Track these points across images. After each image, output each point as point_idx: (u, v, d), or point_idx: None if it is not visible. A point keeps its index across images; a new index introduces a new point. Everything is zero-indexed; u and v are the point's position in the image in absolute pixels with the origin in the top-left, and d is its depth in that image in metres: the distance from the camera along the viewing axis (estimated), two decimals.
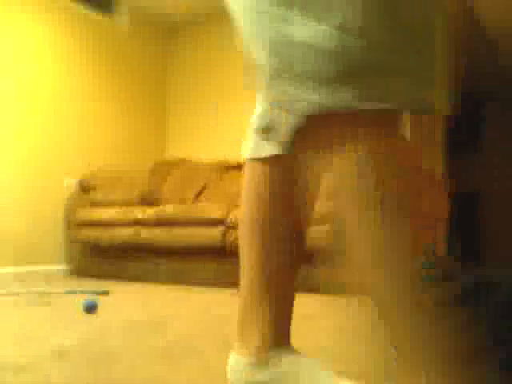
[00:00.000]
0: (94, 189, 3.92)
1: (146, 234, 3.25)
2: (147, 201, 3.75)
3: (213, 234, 3.01)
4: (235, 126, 4.61)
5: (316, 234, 2.58)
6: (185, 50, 4.98)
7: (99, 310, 1.98)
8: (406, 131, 3.62)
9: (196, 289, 2.87)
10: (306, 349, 1.33)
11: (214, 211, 3.08)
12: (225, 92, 4.69)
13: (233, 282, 2.97)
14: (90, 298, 2.36)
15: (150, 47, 4.89)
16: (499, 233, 6.49)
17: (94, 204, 3.77)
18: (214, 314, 1.92)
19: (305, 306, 2.18)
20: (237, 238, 2.93)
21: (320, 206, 2.52)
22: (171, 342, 1.41)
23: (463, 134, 6.22)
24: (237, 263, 3.00)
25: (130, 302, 2.31)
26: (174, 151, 4.95)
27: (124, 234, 3.32)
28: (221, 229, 3.01)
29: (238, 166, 4.11)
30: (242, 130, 4.53)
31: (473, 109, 6.74)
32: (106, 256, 3.51)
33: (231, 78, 4.66)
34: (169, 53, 5.07)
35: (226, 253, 3.02)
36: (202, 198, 3.84)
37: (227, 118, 4.66)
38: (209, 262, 3.08)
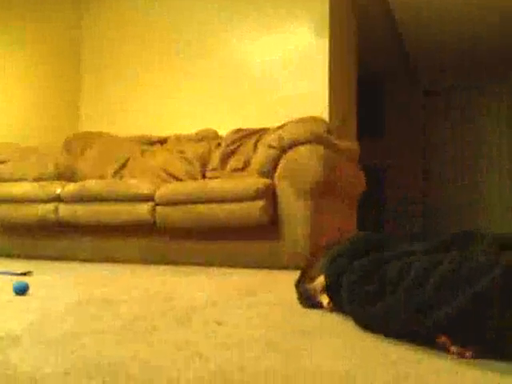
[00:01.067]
0: (1, 163, 3.61)
1: (66, 211, 3.06)
2: (64, 176, 3.53)
3: (141, 211, 2.92)
4: (153, 100, 4.45)
5: (251, 209, 2.60)
6: (102, 13, 4.68)
7: (31, 291, 1.85)
8: (326, 116, 3.74)
9: (125, 266, 2.78)
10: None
11: (141, 187, 2.98)
12: (144, 63, 4.49)
13: (161, 259, 2.91)
14: (16, 279, 2.19)
15: (62, 11, 4.54)
16: (397, 205, 6.98)
17: (3, 179, 3.47)
18: (155, 292, 1.88)
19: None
20: (166, 215, 2.86)
21: (256, 182, 2.54)
22: (127, 320, 1.36)
23: (370, 121, 6.55)
24: (165, 240, 2.95)
25: (60, 282, 2.18)
26: (88, 125, 4.66)
27: (42, 210, 3.10)
28: (149, 205, 2.92)
29: (161, 141, 3.99)
30: (161, 104, 4.39)
31: (376, 90, 7.09)
32: (19, 234, 3.26)
33: (151, 48, 4.47)
34: (83, 19, 4.74)
35: (154, 229, 2.95)
36: (124, 173, 3.69)
37: (145, 91, 4.48)
38: (137, 239, 2.98)
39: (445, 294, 0.93)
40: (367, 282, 1.16)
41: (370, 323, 1.18)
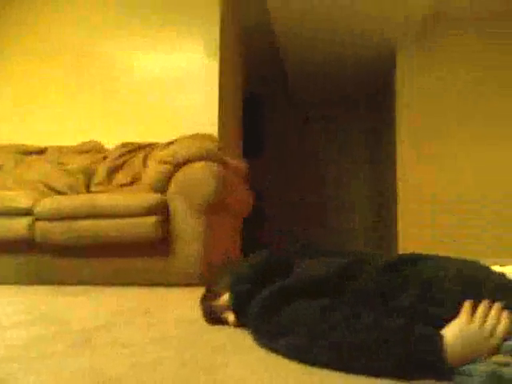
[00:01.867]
0: None
1: None
2: None
3: (18, 227, 2.67)
4: (30, 107, 4.14)
5: (143, 225, 2.52)
6: None
7: None
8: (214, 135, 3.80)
9: None
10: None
11: (19, 200, 2.74)
12: (22, 69, 4.17)
13: (42, 279, 2.69)
14: None
15: None
16: (277, 223, 7.25)
17: None
18: (42, 314, 1.73)
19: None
20: (47, 231, 2.66)
21: (148, 198, 2.49)
22: (18, 347, 1.24)
23: (251, 140, 6.75)
24: (46, 258, 2.73)
25: None
26: None
27: None
28: (28, 220, 2.69)
29: (38, 152, 3.71)
30: (38, 113, 4.10)
31: (257, 111, 7.36)
32: None
33: (31, 55, 4.17)
34: None
35: (33, 247, 2.71)
36: None
37: (20, 98, 4.15)
38: (12, 257, 2.72)
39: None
40: (267, 319, 1.18)
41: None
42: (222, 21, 3.99)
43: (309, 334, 1.04)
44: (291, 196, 7.42)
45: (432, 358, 0.90)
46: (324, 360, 1.01)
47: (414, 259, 1.21)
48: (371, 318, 0.98)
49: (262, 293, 1.25)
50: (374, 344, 0.94)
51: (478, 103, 4.74)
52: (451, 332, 0.92)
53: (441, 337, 0.92)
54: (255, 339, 1.24)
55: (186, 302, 2.04)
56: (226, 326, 1.44)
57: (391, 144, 5.44)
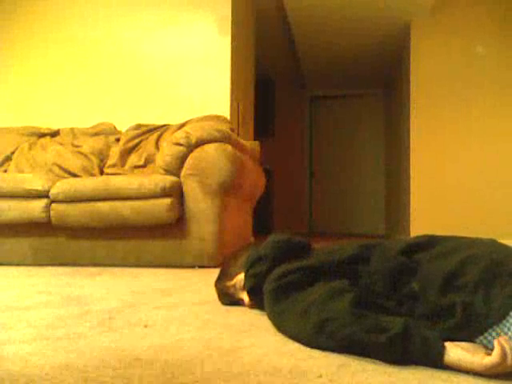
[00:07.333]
0: None
1: None
2: None
3: (34, 209, 2.70)
4: (43, 90, 4.14)
5: (158, 206, 2.53)
6: None
7: None
8: (227, 115, 3.78)
9: (17, 268, 2.55)
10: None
11: (35, 182, 2.76)
12: (35, 51, 4.16)
13: (57, 260, 2.72)
14: None
15: None
16: (283, 203, 7.24)
17: None
18: (62, 295, 1.75)
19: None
20: (62, 213, 2.68)
21: (163, 180, 2.49)
22: (42, 328, 1.26)
23: (263, 120, 6.71)
24: (62, 239, 2.76)
25: None
26: None
27: None
28: (44, 202, 2.71)
29: (51, 134, 3.72)
30: (52, 95, 4.10)
31: (268, 93, 7.29)
32: None
33: (43, 35, 4.15)
34: None
35: (48, 228, 2.74)
36: (9, 167, 3.39)
37: (34, 80, 4.16)
38: (29, 238, 2.75)
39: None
40: (282, 296, 1.19)
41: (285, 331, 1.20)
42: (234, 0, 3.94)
43: (316, 323, 1.03)
44: (302, 176, 7.40)
45: (428, 361, 0.89)
46: (329, 347, 1.01)
47: (429, 242, 1.19)
48: (373, 321, 0.95)
49: (277, 270, 1.25)
50: (373, 346, 0.94)
51: (495, 79, 4.65)
52: (457, 355, 0.87)
53: (442, 347, 0.88)
54: (268, 314, 1.25)
55: (204, 283, 2.06)
56: (245, 308, 1.45)
57: (403, 123, 5.38)
